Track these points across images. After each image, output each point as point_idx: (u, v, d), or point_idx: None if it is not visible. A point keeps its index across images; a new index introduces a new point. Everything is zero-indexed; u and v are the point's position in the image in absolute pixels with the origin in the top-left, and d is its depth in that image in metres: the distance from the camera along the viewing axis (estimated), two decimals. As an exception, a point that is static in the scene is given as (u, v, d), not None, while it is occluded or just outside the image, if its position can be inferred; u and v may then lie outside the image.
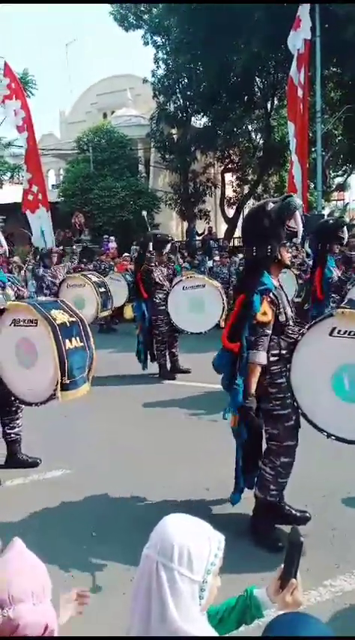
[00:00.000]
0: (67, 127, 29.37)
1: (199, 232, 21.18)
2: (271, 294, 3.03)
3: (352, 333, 2.97)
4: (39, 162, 12.92)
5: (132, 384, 7.00)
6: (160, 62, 20.81)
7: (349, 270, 6.43)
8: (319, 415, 3.07)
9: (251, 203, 21.44)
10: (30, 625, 1.13)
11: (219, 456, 3.92)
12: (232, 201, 24.46)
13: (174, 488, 3.87)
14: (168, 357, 7.40)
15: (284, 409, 3.09)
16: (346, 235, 5.66)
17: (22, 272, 11.80)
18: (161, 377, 7.25)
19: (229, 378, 3.06)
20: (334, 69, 17.37)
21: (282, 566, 1.42)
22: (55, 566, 2.81)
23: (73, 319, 3.90)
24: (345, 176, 26.08)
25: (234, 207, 23.67)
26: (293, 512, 3.29)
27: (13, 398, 4.19)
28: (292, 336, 3.17)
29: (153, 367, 7.30)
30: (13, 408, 4.38)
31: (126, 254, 14.80)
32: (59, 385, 3.68)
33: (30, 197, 12.54)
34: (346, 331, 2.99)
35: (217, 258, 13.46)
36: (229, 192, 24.82)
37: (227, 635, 1.27)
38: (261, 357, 2.95)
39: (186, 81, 20.52)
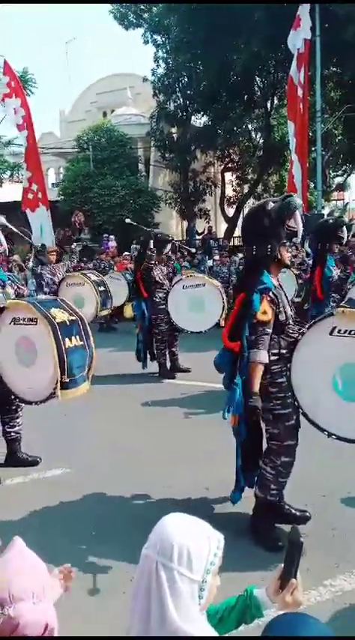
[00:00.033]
0: (66, 126, 29.38)
1: (199, 231, 21.18)
2: (271, 293, 3.03)
3: (352, 332, 2.97)
4: (39, 160, 12.92)
5: (132, 383, 7.00)
6: (160, 61, 20.84)
7: (347, 269, 6.44)
8: (320, 414, 3.07)
9: (251, 202, 21.46)
10: (30, 624, 1.13)
11: (219, 456, 3.92)
12: (232, 200, 24.47)
13: (174, 487, 3.87)
14: (168, 356, 7.40)
15: (285, 408, 3.09)
16: (345, 235, 5.67)
17: (23, 272, 11.78)
18: (161, 376, 7.25)
19: (230, 378, 3.06)
20: (334, 68, 17.38)
21: (282, 565, 1.42)
22: (55, 565, 2.80)
23: (73, 318, 3.90)
24: (345, 176, 26.12)
25: (234, 206, 23.69)
26: (293, 511, 3.29)
27: (13, 397, 4.18)
28: (292, 335, 3.17)
29: (153, 366, 7.30)
30: (13, 407, 4.37)
31: (126, 253, 14.80)
32: (59, 384, 3.67)
33: (30, 196, 12.54)
34: (346, 330, 2.99)
35: (217, 257, 13.46)
36: (229, 191, 24.83)
37: (227, 635, 1.27)
38: (262, 355, 2.94)
39: (186, 80, 20.53)
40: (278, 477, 3.13)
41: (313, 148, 15.22)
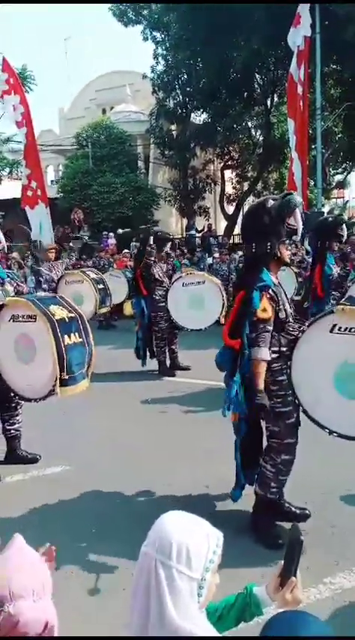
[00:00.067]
0: (66, 123, 29.34)
1: (199, 229, 21.16)
2: (270, 291, 3.03)
3: (352, 330, 2.97)
4: (38, 157, 12.89)
5: (132, 380, 7.00)
6: (160, 58, 20.80)
7: (347, 266, 6.44)
8: (320, 412, 3.07)
9: (250, 200, 21.46)
10: (30, 621, 1.13)
11: (218, 453, 3.92)
12: (232, 198, 24.44)
13: (173, 485, 3.88)
14: (167, 353, 7.40)
15: (286, 406, 3.08)
16: (345, 233, 5.67)
17: (22, 270, 11.78)
18: (160, 374, 7.25)
19: (231, 375, 3.06)
20: (334, 66, 17.36)
21: (282, 563, 1.42)
22: (55, 563, 2.81)
23: (72, 315, 3.90)
24: (345, 174, 26.12)
25: (234, 204, 23.65)
26: (293, 509, 3.29)
27: (12, 394, 4.18)
28: (292, 333, 3.17)
29: (152, 364, 7.30)
30: (13, 404, 4.37)
31: (125, 250, 14.79)
32: (58, 381, 3.67)
33: (29, 193, 12.51)
34: (347, 328, 2.99)
35: (217, 255, 13.45)
36: (229, 189, 24.79)
37: (226, 635, 1.27)
38: (264, 353, 2.94)
39: (185, 77, 20.50)
40: (278, 475, 3.13)
41: (313, 146, 15.20)
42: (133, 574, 1.26)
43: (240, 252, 11.91)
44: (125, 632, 1.25)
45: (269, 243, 3.03)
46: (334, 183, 26.60)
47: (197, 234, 20.43)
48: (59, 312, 3.81)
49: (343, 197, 31.77)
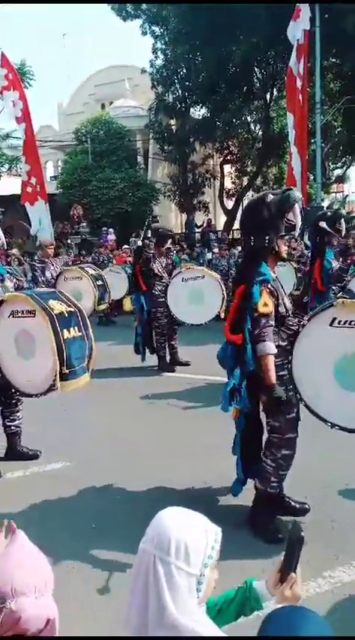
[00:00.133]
0: (65, 119, 29.25)
1: (198, 224, 21.14)
2: (269, 285, 3.03)
3: (353, 323, 2.98)
4: (37, 153, 12.87)
5: (132, 376, 7.01)
6: (159, 52, 20.69)
7: (347, 259, 6.44)
8: (322, 406, 3.07)
9: (250, 195, 21.38)
10: (32, 618, 1.13)
11: (218, 449, 3.93)
12: (231, 192, 24.38)
13: (173, 480, 3.89)
14: (167, 349, 7.41)
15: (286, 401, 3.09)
16: (344, 227, 5.67)
17: (22, 266, 11.76)
18: (160, 369, 7.26)
19: (231, 371, 3.06)
20: (333, 60, 17.29)
21: (282, 558, 1.43)
22: (56, 559, 2.83)
23: (71, 309, 3.89)
24: (344, 168, 26.07)
25: (233, 198, 23.60)
26: (293, 503, 3.30)
27: (13, 390, 4.18)
28: (292, 327, 3.17)
29: (152, 359, 7.30)
30: (13, 401, 4.38)
31: (125, 246, 14.77)
32: (58, 375, 3.67)
33: (29, 189, 12.50)
34: (347, 321, 3.00)
35: (216, 250, 13.44)
36: (228, 183, 24.74)
37: (226, 635, 1.27)
38: (269, 347, 2.94)
39: (184, 71, 20.41)
40: (278, 470, 3.14)
41: (312, 140, 15.17)
42: (132, 570, 1.27)
43: (240, 248, 11.91)
44: (125, 629, 1.26)
45: (267, 237, 3.03)
46: (333, 178, 26.54)
47: (196, 230, 20.44)
48: (58, 307, 3.80)
49: (342, 191, 31.71)
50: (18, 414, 4.44)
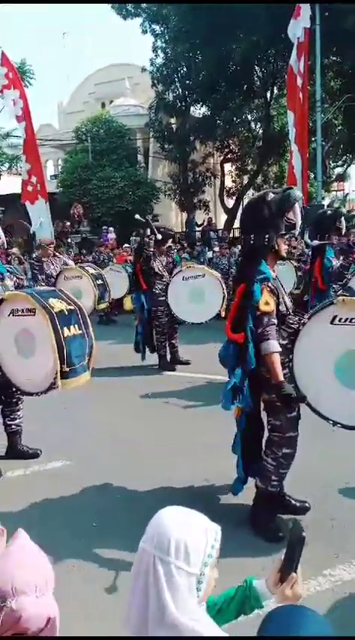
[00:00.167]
0: (65, 117, 29.23)
1: (199, 223, 21.13)
2: (270, 284, 3.03)
3: (353, 321, 2.99)
4: (37, 152, 12.87)
5: (132, 375, 7.01)
6: (159, 51, 20.66)
7: (349, 257, 6.43)
8: (323, 404, 3.08)
9: (250, 193, 21.37)
10: (32, 617, 1.13)
11: (218, 448, 3.93)
12: (232, 191, 24.35)
13: (173, 479, 3.89)
14: (167, 348, 7.41)
15: None
16: (344, 225, 5.66)
17: (22, 265, 11.76)
18: (161, 368, 7.26)
19: (233, 369, 3.06)
20: (334, 58, 17.26)
21: (282, 557, 1.43)
22: (56, 558, 2.83)
23: (71, 307, 3.89)
24: (345, 166, 26.01)
25: (234, 197, 23.58)
26: (293, 502, 3.30)
27: (13, 389, 4.18)
28: (292, 325, 3.17)
29: (152, 358, 7.30)
30: (14, 400, 4.38)
31: (126, 245, 14.76)
32: (58, 373, 3.67)
33: (29, 188, 12.50)
34: (347, 319, 3.00)
35: (217, 249, 13.43)
36: (229, 182, 24.71)
37: (226, 634, 1.27)
38: (274, 345, 2.93)
39: (185, 70, 20.39)
40: (279, 469, 3.14)
41: (313, 138, 15.14)
42: (132, 569, 1.27)
43: (240, 246, 11.89)
44: (125, 628, 1.26)
45: (267, 235, 3.03)
46: (334, 176, 26.49)
47: (197, 228, 20.43)
48: (58, 305, 3.80)
49: (343, 190, 31.64)
50: (18, 413, 4.44)
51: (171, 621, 1.15)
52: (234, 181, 24.84)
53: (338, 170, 26.65)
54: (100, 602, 2.63)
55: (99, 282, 7.44)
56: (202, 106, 21.50)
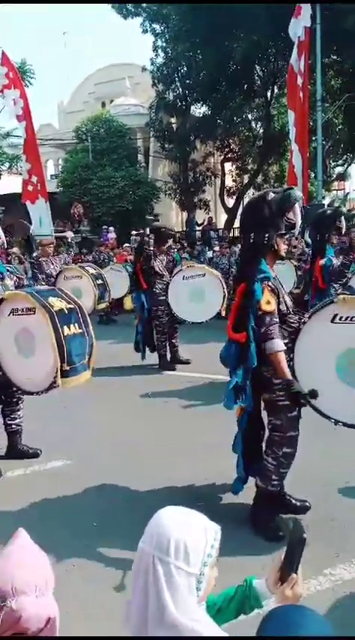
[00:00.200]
0: (65, 117, 29.24)
1: (199, 222, 21.12)
2: (270, 283, 3.03)
3: (354, 319, 2.99)
4: (38, 152, 12.90)
5: (132, 374, 7.01)
6: (159, 50, 20.65)
7: (350, 254, 6.43)
8: (325, 402, 3.07)
9: (251, 193, 21.36)
10: (32, 617, 1.13)
11: (218, 447, 3.93)
12: (232, 190, 24.34)
13: (173, 478, 3.89)
14: (168, 347, 7.41)
15: (288, 399, 3.08)
16: (344, 225, 5.66)
17: (22, 264, 11.76)
18: (161, 368, 7.26)
19: (234, 369, 3.06)
20: (334, 57, 17.23)
21: (282, 557, 1.42)
22: (56, 557, 2.83)
23: (71, 306, 3.89)
24: (345, 165, 25.96)
25: (234, 197, 23.57)
26: (294, 501, 3.30)
27: (14, 388, 4.18)
28: (293, 325, 3.17)
29: (153, 358, 7.30)
30: (14, 399, 4.38)
31: (126, 244, 14.75)
32: (59, 372, 3.67)
33: (30, 187, 12.52)
34: (347, 317, 3.01)
35: (217, 248, 13.42)
36: (229, 181, 24.70)
37: (226, 634, 1.27)
38: (278, 344, 2.93)
39: (185, 69, 20.37)
40: (279, 468, 3.14)
41: (313, 138, 15.12)
42: (132, 569, 1.26)
43: (240, 246, 11.88)
44: (125, 627, 1.26)
45: (267, 235, 3.03)
46: (334, 175, 26.46)
47: (197, 228, 20.42)
48: (58, 304, 3.80)
49: (343, 189, 31.61)
50: (19, 413, 4.44)
51: (171, 621, 1.15)
52: (234, 181, 24.83)
53: (339, 169, 26.61)
54: (100, 602, 2.63)
55: (99, 281, 7.44)
56: (203, 105, 21.49)
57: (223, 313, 6.72)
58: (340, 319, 3.02)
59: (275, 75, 19.46)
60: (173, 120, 22.20)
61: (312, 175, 16.80)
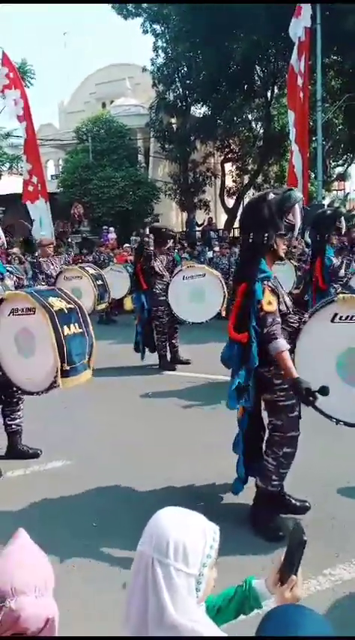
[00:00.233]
0: (65, 117, 29.25)
1: (199, 223, 21.12)
2: (270, 283, 3.03)
3: (354, 318, 2.99)
4: (38, 152, 12.93)
5: (132, 374, 7.01)
6: (159, 51, 20.66)
7: (348, 256, 6.44)
8: (326, 402, 3.07)
9: (251, 193, 21.36)
10: (31, 617, 1.13)
11: (218, 447, 3.93)
12: (232, 191, 24.35)
13: (173, 479, 3.89)
14: (168, 348, 7.41)
15: (289, 400, 3.08)
16: (344, 225, 5.67)
17: (23, 265, 11.76)
18: (161, 368, 7.26)
19: (237, 369, 3.06)
20: (334, 57, 17.24)
21: (282, 557, 1.42)
22: (56, 557, 2.84)
23: (71, 306, 3.89)
24: (346, 166, 25.96)
25: (234, 197, 23.57)
26: (294, 501, 3.30)
27: (14, 389, 4.18)
28: (293, 325, 3.18)
29: (153, 358, 7.31)
30: (14, 400, 4.38)
31: (126, 245, 14.74)
32: (59, 372, 3.67)
33: (30, 188, 12.54)
34: (348, 316, 3.01)
35: (217, 248, 13.43)
36: (229, 182, 24.70)
37: (226, 635, 1.27)
38: (282, 344, 2.92)
39: (185, 69, 20.38)
40: (279, 468, 3.14)
41: (313, 138, 15.13)
42: (131, 570, 1.26)
43: (240, 245, 11.86)
44: (124, 627, 1.26)
45: (266, 234, 3.03)
46: (334, 176, 26.47)
47: (197, 228, 20.42)
48: (58, 304, 3.80)
49: (343, 189, 31.62)
50: (19, 413, 4.44)
51: (171, 622, 1.15)
52: (234, 181, 24.83)
53: (339, 169, 26.62)
54: (100, 602, 2.63)
55: (99, 282, 7.44)
56: (203, 105, 21.49)
57: (223, 313, 6.72)
58: (340, 319, 3.03)
59: (275, 75, 19.46)
60: (173, 120, 22.21)
61: (312, 176, 16.80)
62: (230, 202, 23.48)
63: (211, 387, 5.97)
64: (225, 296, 6.90)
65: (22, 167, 14.10)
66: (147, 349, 7.31)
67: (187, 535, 1.21)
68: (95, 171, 21.55)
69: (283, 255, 3.25)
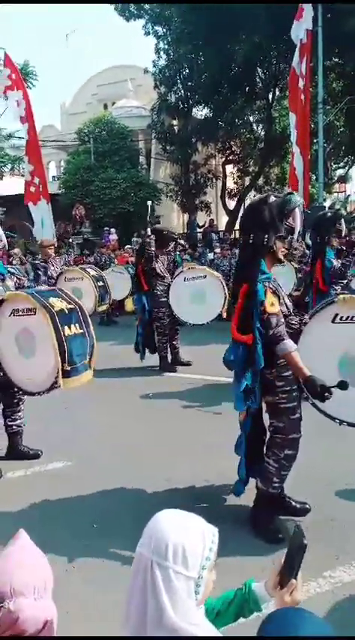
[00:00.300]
0: (67, 118, 29.27)
1: (200, 224, 21.13)
2: (271, 284, 3.04)
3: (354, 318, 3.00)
4: (40, 153, 12.93)
5: (133, 376, 7.01)
6: (161, 52, 20.71)
7: (349, 256, 6.43)
8: (328, 403, 3.07)
9: (252, 195, 21.35)
10: (29, 619, 1.13)
11: (218, 448, 3.93)
12: (233, 193, 24.37)
13: (173, 480, 3.88)
14: (169, 349, 7.41)
15: (290, 402, 3.08)
16: (344, 227, 5.66)
17: (24, 265, 11.78)
18: (162, 369, 7.26)
19: (243, 371, 3.05)
20: (336, 59, 17.26)
21: (282, 560, 1.42)
22: (56, 558, 2.83)
23: (72, 306, 3.89)
24: (347, 168, 26.01)
25: (235, 199, 23.59)
26: (294, 503, 3.30)
27: (15, 389, 4.18)
28: (294, 326, 3.18)
29: (153, 359, 7.31)
30: (15, 400, 4.38)
31: (127, 246, 14.74)
32: (60, 372, 3.67)
33: (32, 189, 12.55)
34: (348, 317, 3.01)
35: (218, 250, 13.43)
36: (230, 183, 24.72)
37: (225, 636, 1.27)
38: (290, 345, 2.93)
39: (187, 71, 20.41)
40: (280, 470, 3.14)
41: (315, 140, 15.14)
42: (130, 572, 1.26)
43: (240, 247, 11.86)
44: (123, 628, 1.26)
45: (266, 236, 3.04)
46: (336, 178, 26.51)
47: (198, 230, 20.42)
48: (59, 304, 3.80)
49: (345, 191, 31.64)
50: (19, 414, 4.44)
51: (170, 625, 1.15)
52: (235, 183, 24.86)
53: (340, 172, 26.68)
54: (100, 602, 2.63)
55: (100, 283, 7.44)
56: (204, 107, 21.51)
57: (224, 315, 6.72)
58: (341, 319, 3.04)
59: (276, 77, 19.49)
60: (175, 122, 22.23)
61: (313, 178, 16.80)
62: (231, 204, 23.50)
63: (212, 389, 5.96)
64: (226, 297, 6.89)
65: (23, 168, 14.11)
66: (147, 350, 7.31)
67: (186, 538, 1.21)
68: (97, 172, 21.57)
69: (282, 258, 3.26)
